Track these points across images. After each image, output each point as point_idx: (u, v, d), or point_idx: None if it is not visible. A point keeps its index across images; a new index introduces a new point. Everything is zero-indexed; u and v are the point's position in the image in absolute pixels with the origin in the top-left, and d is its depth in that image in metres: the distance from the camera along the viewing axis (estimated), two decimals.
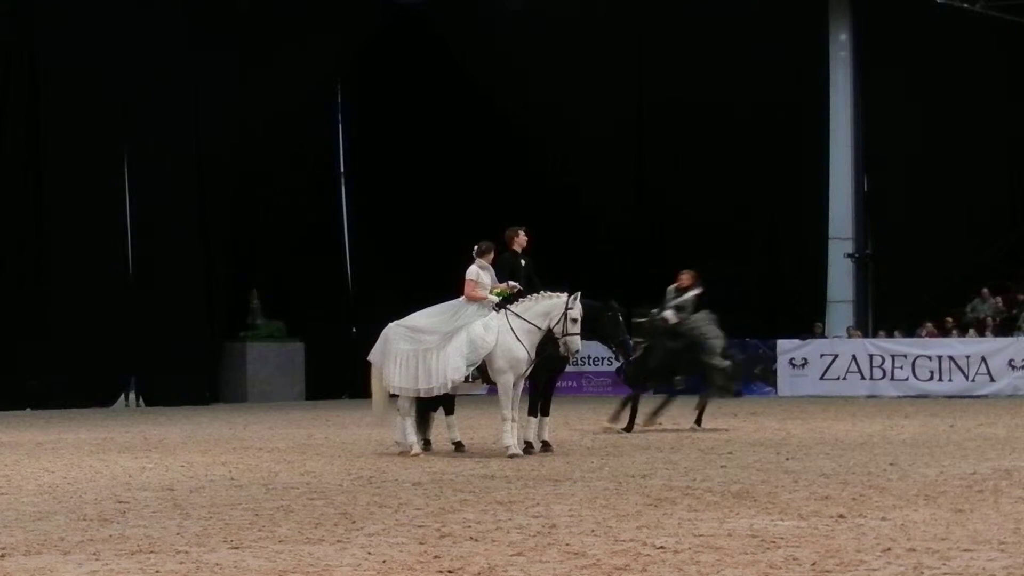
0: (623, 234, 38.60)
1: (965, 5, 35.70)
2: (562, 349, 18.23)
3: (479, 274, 18.53)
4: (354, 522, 11.84)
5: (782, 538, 10.58)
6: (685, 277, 23.44)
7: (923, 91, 36.75)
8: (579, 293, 18.51)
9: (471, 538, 10.83)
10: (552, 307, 18.23)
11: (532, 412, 19.06)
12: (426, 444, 19.21)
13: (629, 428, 22.24)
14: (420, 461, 17.77)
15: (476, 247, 18.76)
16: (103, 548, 10.55)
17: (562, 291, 18.41)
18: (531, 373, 18.56)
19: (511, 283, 18.94)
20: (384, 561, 9.81)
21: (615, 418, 22.48)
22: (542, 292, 18.53)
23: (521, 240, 19.52)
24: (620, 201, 38.93)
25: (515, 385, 18.24)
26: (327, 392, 36.15)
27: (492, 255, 18.78)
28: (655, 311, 23.39)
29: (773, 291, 37.75)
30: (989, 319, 34.98)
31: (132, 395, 34.12)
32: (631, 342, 21.06)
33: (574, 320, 18.13)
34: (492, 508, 12.71)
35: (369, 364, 19.16)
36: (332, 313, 37.00)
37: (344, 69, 37.72)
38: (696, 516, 11.94)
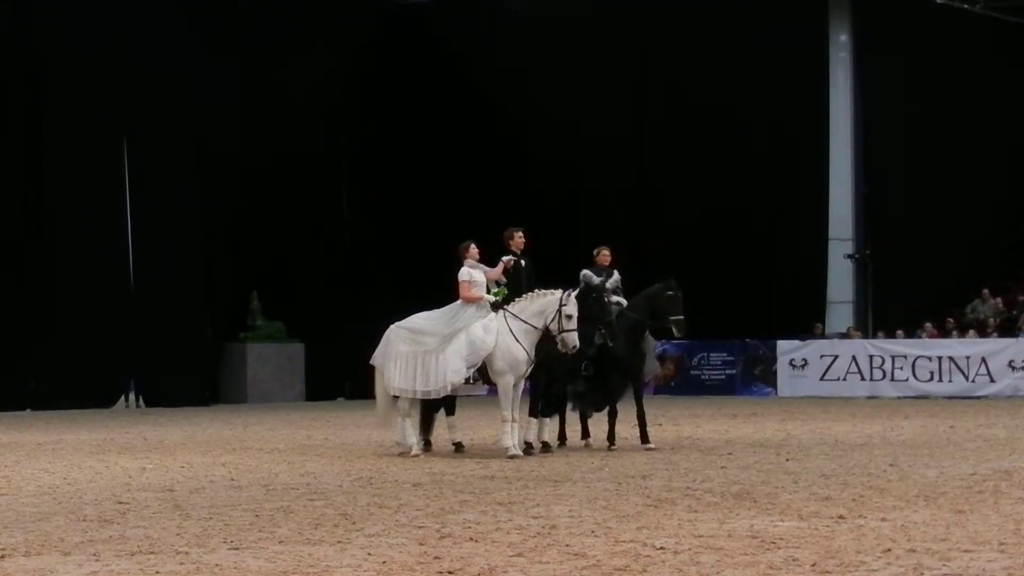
0: (623, 234, 38.54)
1: (965, 6, 35.72)
2: (560, 346, 18.24)
3: (471, 274, 18.54)
4: (354, 523, 11.84)
5: (782, 539, 10.58)
6: (607, 253, 20.39)
7: (923, 91, 36.74)
8: (573, 291, 18.55)
9: (471, 539, 10.83)
10: (547, 305, 18.26)
11: (532, 413, 19.07)
12: (427, 445, 19.23)
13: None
14: (420, 462, 17.78)
15: (459, 248, 18.77)
16: (103, 549, 10.55)
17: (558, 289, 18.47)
18: (531, 373, 18.58)
19: (504, 258, 18.99)
20: (384, 562, 9.81)
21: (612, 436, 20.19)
22: (536, 291, 18.54)
23: (519, 241, 19.51)
24: (620, 201, 38.90)
25: (515, 386, 18.26)
26: (327, 393, 36.17)
27: (477, 251, 18.77)
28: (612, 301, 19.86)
29: (773, 291, 37.73)
30: (990, 320, 34.97)
31: (132, 396, 34.09)
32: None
33: (569, 316, 18.14)
34: (492, 509, 12.71)
35: (372, 368, 19.18)
36: (332, 314, 36.97)
37: (345, 70, 37.69)
38: (696, 517, 11.94)
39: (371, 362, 19.19)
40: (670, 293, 19.85)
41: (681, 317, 19.88)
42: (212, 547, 10.62)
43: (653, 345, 21.52)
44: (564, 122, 38.99)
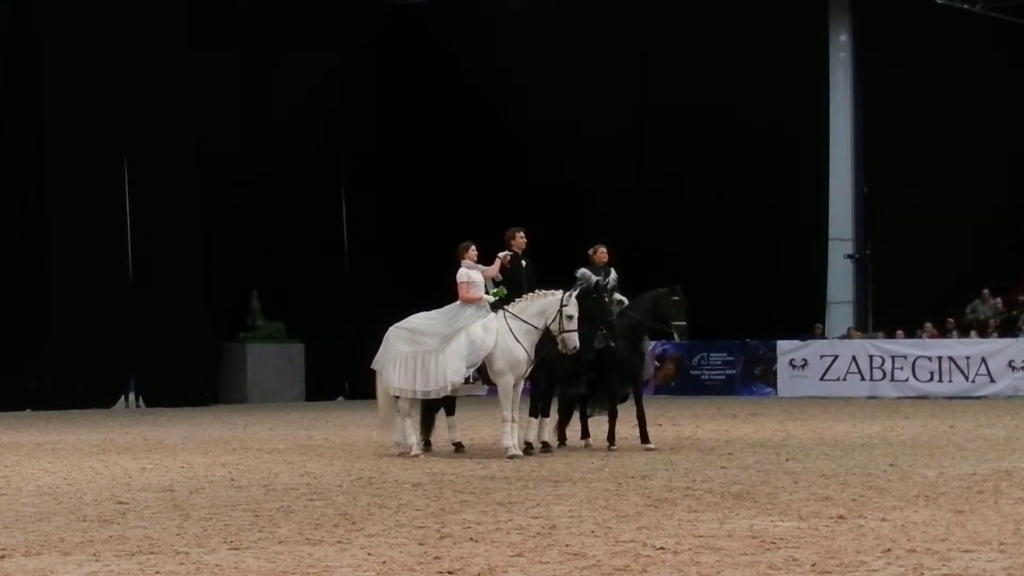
0: (623, 234, 38.53)
1: (965, 6, 35.71)
2: (560, 347, 18.25)
3: (469, 275, 18.54)
4: (354, 523, 11.84)
5: (782, 539, 10.58)
6: (604, 251, 20.26)
7: (923, 91, 36.74)
8: (574, 291, 18.56)
9: (471, 539, 10.83)
10: (547, 305, 18.26)
11: (533, 413, 19.08)
12: (427, 445, 19.23)
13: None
14: (420, 462, 17.77)
15: (458, 249, 18.78)
16: (103, 549, 10.55)
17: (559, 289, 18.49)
18: (531, 373, 18.59)
19: (500, 254, 19.01)
20: (384, 562, 9.81)
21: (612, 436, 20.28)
22: (537, 291, 18.55)
23: (520, 241, 19.50)
24: (620, 201, 38.90)
25: (515, 386, 18.26)
26: (327, 393, 36.20)
27: (475, 252, 18.77)
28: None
29: (773, 292, 37.73)
30: (990, 320, 34.97)
31: (132, 396, 34.10)
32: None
33: (569, 317, 18.15)
34: (492, 509, 12.71)
35: (373, 370, 19.17)
36: (332, 314, 36.98)
37: (345, 70, 37.70)
38: (696, 517, 11.94)
39: (372, 366, 19.18)
40: (675, 298, 19.87)
41: (683, 323, 19.91)
42: (212, 547, 10.62)
43: (650, 347, 21.57)
44: (564, 122, 39.00)
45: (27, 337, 32.41)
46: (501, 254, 19.12)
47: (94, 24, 33.33)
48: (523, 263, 19.44)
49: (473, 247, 18.78)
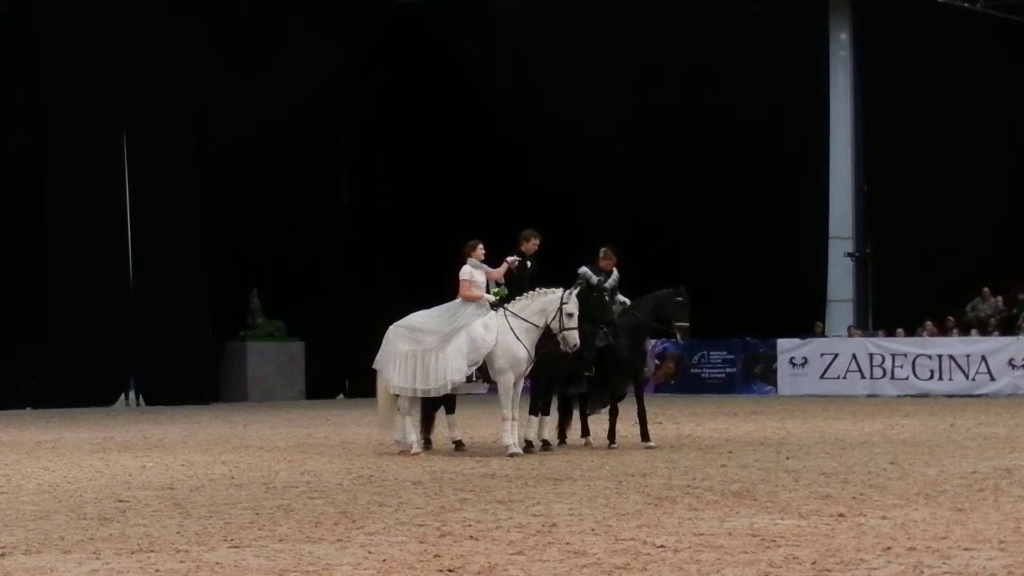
0: (623, 234, 38.52)
1: (965, 5, 35.72)
2: (561, 345, 18.25)
3: (472, 273, 18.55)
4: (354, 521, 11.84)
5: (782, 537, 10.58)
6: (612, 260, 20.20)
7: (923, 91, 36.73)
8: (575, 289, 18.56)
9: (471, 537, 10.83)
10: (548, 303, 18.27)
11: (533, 411, 19.09)
12: (427, 443, 19.23)
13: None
14: (420, 460, 17.77)
15: (465, 247, 18.79)
16: (103, 547, 10.55)
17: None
18: (531, 371, 18.59)
19: (509, 259, 19.01)
20: (384, 560, 9.81)
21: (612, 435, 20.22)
22: (537, 289, 18.55)
23: (531, 245, 19.50)
24: (620, 201, 38.92)
25: (515, 384, 18.27)
26: (327, 391, 36.21)
27: (482, 251, 18.78)
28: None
29: (773, 290, 37.74)
30: (990, 318, 34.97)
31: (132, 394, 34.13)
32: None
33: (570, 315, 18.16)
34: (492, 507, 12.71)
35: (374, 369, 19.16)
36: (332, 312, 36.99)
37: (345, 69, 37.71)
38: (696, 515, 11.94)
39: (373, 366, 19.17)
40: (679, 299, 19.90)
41: (686, 324, 19.95)
42: (212, 545, 10.62)
43: (649, 345, 21.63)
44: (564, 122, 39.00)
45: (28, 336, 32.42)
46: (510, 259, 19.08)
47: (94, 24, 33.32)
48: (528, 264, 19.44)
49: (480, 246, 18.78)
